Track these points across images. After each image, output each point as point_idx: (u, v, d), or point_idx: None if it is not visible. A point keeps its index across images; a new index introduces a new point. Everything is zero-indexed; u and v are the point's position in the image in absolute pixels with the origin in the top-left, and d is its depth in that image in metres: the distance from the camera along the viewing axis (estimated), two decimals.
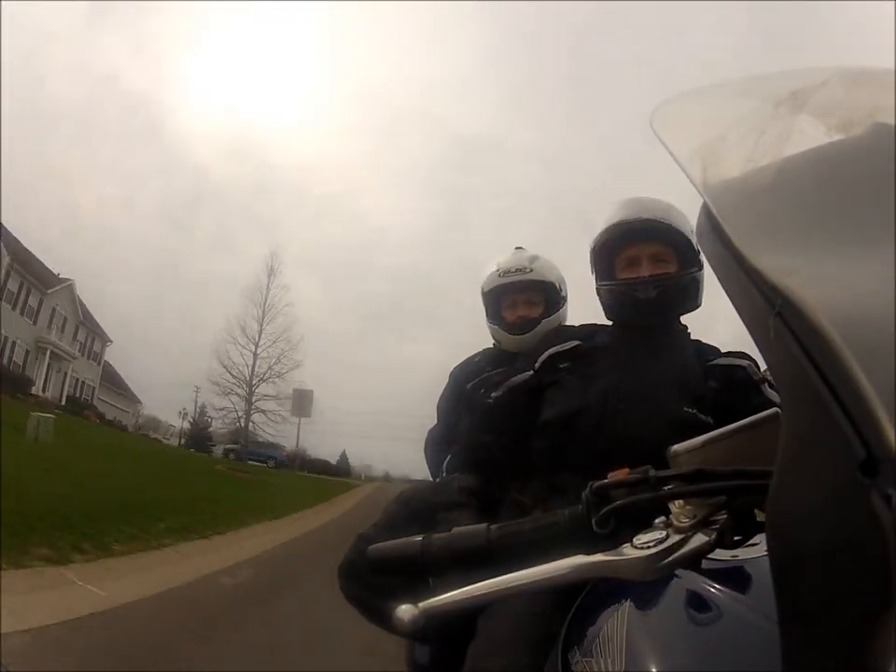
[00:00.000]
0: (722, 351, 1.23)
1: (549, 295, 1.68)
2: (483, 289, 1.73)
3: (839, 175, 0.38)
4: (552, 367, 1.22)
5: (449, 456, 1.57)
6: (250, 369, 24.72)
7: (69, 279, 29.41)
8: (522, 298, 1.67)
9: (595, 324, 1.33)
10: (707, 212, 0.40)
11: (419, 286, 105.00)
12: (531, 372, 1.23)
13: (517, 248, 1.74)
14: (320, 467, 32.95)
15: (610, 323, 1.29)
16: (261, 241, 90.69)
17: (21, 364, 25.57)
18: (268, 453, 29.17)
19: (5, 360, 24.11)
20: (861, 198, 0.35)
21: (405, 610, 0.49)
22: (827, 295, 0.28)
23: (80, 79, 73.36)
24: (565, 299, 1.71)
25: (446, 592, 0.50)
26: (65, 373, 29.54)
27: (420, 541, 0.55)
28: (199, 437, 34.40)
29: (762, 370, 1.15)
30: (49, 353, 27.33)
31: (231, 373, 25.05)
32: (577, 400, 1.15)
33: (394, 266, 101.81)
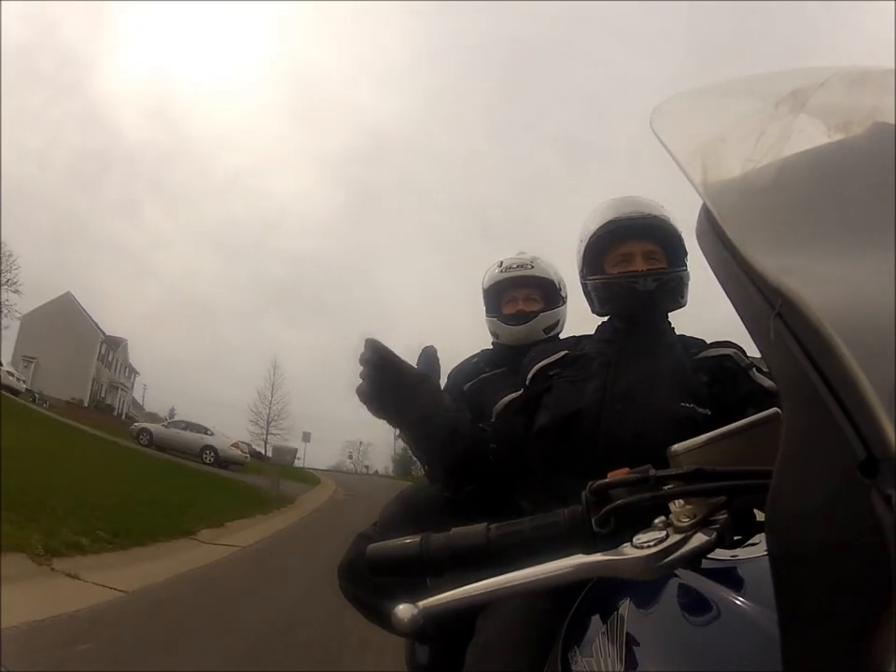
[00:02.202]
0: (707, 342, 1.24)
1: (548, 292, 1.71)
2: (483, 286, 1.75)
3: (839, 175, 0.38)
4: (543, 377, 1.23)
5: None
6: (266, 416, 44.81)
7: (124, 339, 47.33)
8: (522, 294, 1.70)
9: (579, 335, 1.35)
10: (706, 212, 0.40)
11: (313, 274, 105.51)
12: (520, 390, 1.24)
13: (520, 252, 1.77)
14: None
15: (593, 333, 1.31)
16: (164, 211, 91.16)
17: (104, 396, 43.19)
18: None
19: (98, 396, 41.43)
20: (860, 198, 0.35)
21: (404, 610, 0.49)
22: (827, 295, 0.28)
23: (30, 24, 71.35)
24: (564, 299, 1.73)
25: (445, 591, 0.50)
26: (120, 399, 47.30)
27: (419, 541, 0.55)
28: None
29: (748, 354, 1.15)
30: (118, 389, 46.02)
31: (257, 416, 45.36)
32: (572, 403, 1.16)
33: (291, 251, 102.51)
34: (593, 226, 1.25)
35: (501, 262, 1.72)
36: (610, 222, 1.22)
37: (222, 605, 4.04)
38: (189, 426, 21.23)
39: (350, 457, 56.37)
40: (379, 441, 61.36)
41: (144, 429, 20.52)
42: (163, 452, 18.04)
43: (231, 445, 20.74)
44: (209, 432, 20.90)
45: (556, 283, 1.71)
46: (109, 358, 44.27)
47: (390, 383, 1.09)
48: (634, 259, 1.21)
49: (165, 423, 21.85)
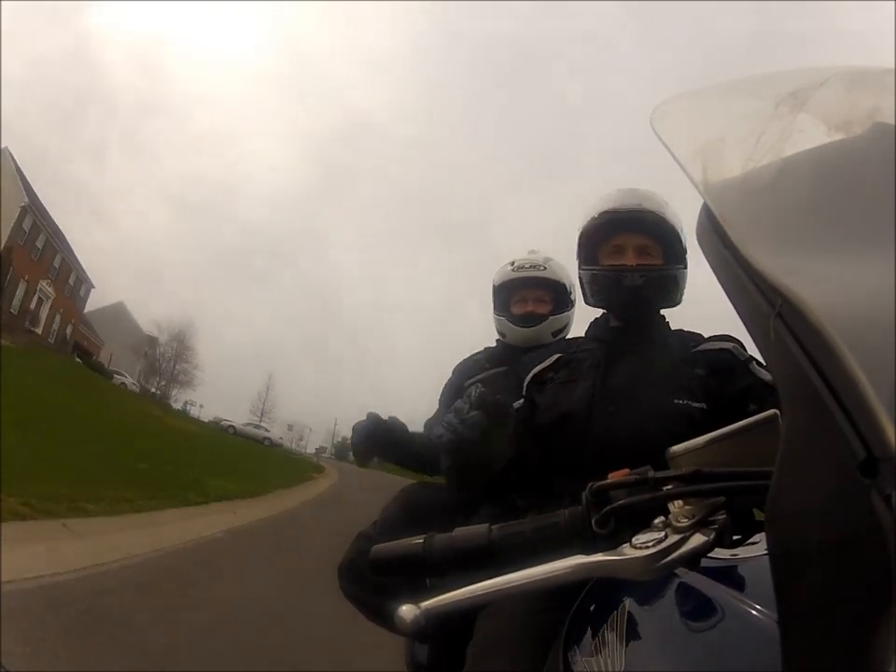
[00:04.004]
0: (705, 336, 1.22)
1: (558, 295, 1.70)
2: (494, 283, 1.75)
3: (839, 175, 0.38)
4: (538, 382, 1.23)
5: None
6: (261, 411, 55.16)
7: (157, 337, 55.54)
8: (532, 294, 1.69)
9: (570, 338, 1.36)
10: (707, 212, 0.40)
11: (270, 246, 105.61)
12: (521, 401, 1.23)
13: (531, 251, 1.76)
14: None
15: (584, 333, 1.31)
16: (132, 160, 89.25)
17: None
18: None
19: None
20: (861, 198, 0.35)
21: (407, 610, 0.49)
22: (827, 295, 0.28)
23: None
24: (573, 303, 1.73)
25: (445, 591, 0.50)
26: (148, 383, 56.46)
27: (422, 542, 0.55)
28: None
29: (748, 349, 1.14)
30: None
31: (256, 409, 57.04)
32: (562, 405, 1.15)
33: (253, 219, 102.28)
34: (590, 214, 1.23)
35: (513, 261, 1.72)
36: (606, 212, 1.20)
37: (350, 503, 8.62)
38: (256, 426, 41.55)
39: (301, 439, 61.37)
40: (314, 423, 67.01)
41: (231, 425, 37.66)
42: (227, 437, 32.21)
43: (279, 438, 42.36)
44: (267, 430, 41.85)
45: (567, 286, 1.70)
46: (147, 353, 56.09)
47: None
48: (626, 253, 1.19)
49: (243, 423, 40.06)
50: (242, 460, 16.26)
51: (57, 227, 32.28)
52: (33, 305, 29.92)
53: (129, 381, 37.62)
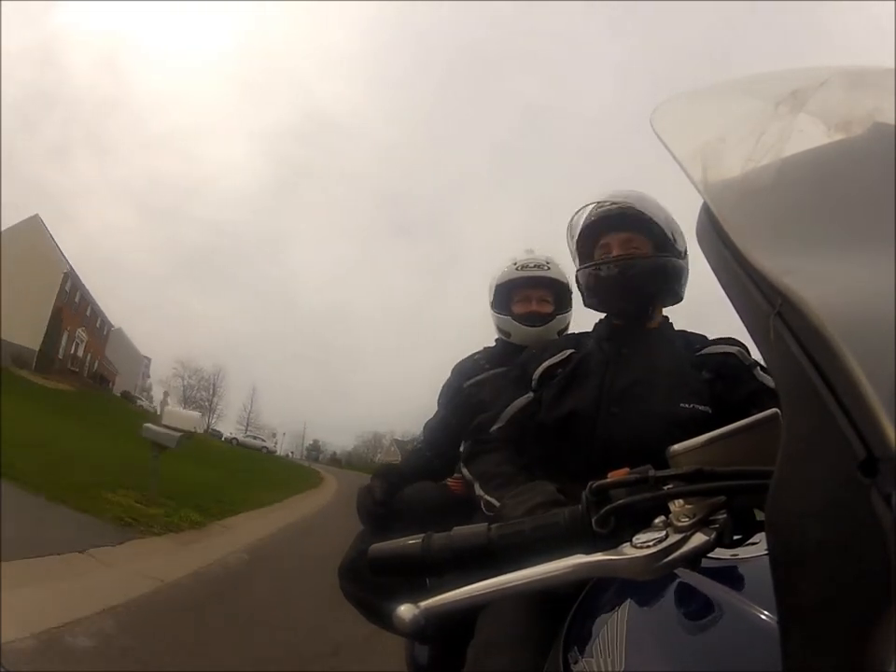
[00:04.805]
0: (710, 338, 1.21)
1: (560, 294, 1.71)
2: (496, 282, 1.74)
3: (839, 175, 0.38)
4: (549, 377, 1.21)
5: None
6: (246, 422, 65.28)
7: (150, 358, 62.46)
8: (536, 294, 1.69)
9: (579, 333, 1.34)
10: (707, 212, 0.40)
11: (230, 246, 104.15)
12: (530, 395, 1.21)
13: (528, 250, 1.77)
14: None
15: (590, 330, 1.30)
16: (93, 161, 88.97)
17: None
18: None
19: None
20: (860, 198, 0.35)
21: (406, 610, 0.49)
22: (827, 295, 0.28)
23: None
24: (572, 303, 1.73)
25: (445, 591, 0.50)
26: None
27: (420, 541, 0.55)
28: None
29: (752, 353, 1.13)
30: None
31: (243, 420, 66.66)
32: (568, 404, 1.14)
33: (213, 220, 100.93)
34: (579, 220, 1.26)
35: (515, 261, 1.72)
36: (588, 214, 1.24)
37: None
38: (254, 437, 49.44)
39: (275, 444, 64.39)
40: (280, 425, 70.25)
41: (234, 438, 46.94)
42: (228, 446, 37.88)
43: (273, 446, 51.01)
44: (264, 440, 49.51)
45: (568, 286, 1.70)
46: (144, 374, 65.42)
47: None
48: (611, 250, 1.21)
49: (244, 435, 49.89)
50: (272, 468, 23.55)
51: (84, 285, 39.97)
52: (73, 350, 38.87)
53: (145, 404, 46.06)
